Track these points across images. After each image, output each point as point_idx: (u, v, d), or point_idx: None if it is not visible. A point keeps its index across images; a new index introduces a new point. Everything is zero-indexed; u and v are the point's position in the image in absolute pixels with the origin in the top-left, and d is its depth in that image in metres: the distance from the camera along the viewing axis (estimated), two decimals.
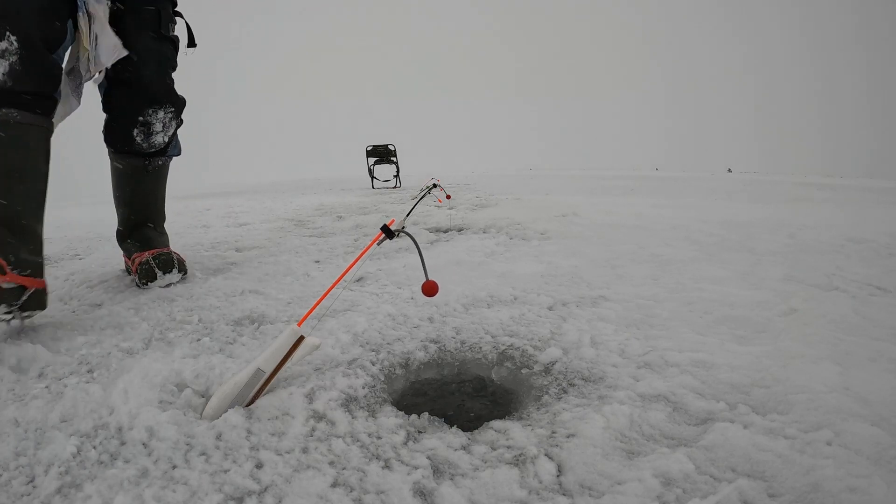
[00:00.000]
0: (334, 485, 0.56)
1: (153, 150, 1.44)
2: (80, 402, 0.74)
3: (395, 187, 6.91)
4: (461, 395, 0.87)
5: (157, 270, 1.38)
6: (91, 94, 1.38)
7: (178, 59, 1.47)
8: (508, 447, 0.63)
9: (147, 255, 1.41)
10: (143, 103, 1.38)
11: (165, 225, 1.64)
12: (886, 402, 0.68)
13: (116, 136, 1.41)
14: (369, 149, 7.25)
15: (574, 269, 1.49)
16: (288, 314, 1.14)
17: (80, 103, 1.29)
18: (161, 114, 1.41)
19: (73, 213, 4.16)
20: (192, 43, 1.53)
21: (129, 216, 1.52)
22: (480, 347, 0.94)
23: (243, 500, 0.54)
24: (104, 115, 1.43)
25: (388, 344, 0.95)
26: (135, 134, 1.39)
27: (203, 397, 0.78)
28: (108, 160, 1.50)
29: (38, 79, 1.06)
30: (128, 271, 1.50)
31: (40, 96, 1.08)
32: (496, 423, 0.68)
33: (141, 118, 1.38)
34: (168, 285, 1.38)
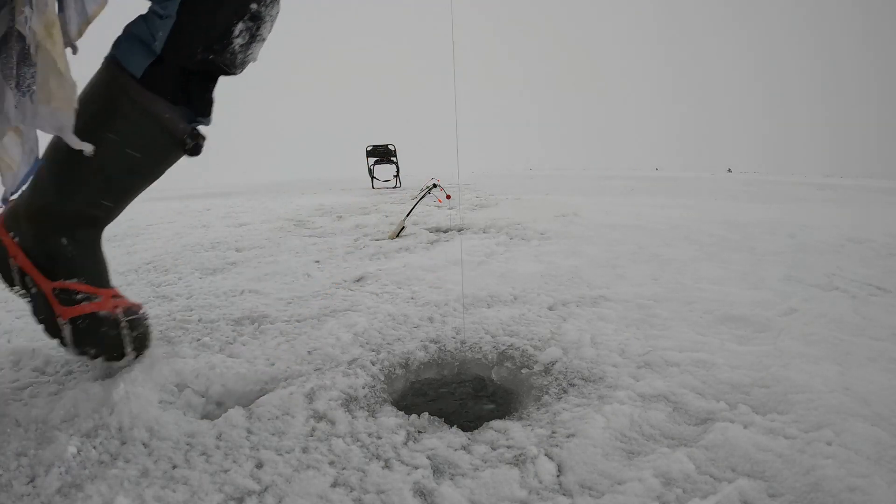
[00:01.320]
0: (334, 485, 0.56)
1: (243, 67, 0.89)
2: (80, 402, 0.74)
3: (395, 187, 6.91)
4: (461, 395, 0.87)
5: (127, 349, 0.83)
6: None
7: None
8: (508, 447, 0.63)
9: (117, 306, 0.84)
10: None
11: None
12: (886, 402, 0.68)
13: (197, 36, 0.80)
14: (369, 149, 7.25)
15: (574, 269, 1.49)
16: (288, 314, 1.14)
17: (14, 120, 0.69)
18: (276, 7, 0.87)
19: None
20: None
21: (104, 208, 0.86)
22: (480, 347, 0.94)
23: (243, 500, 0.54)
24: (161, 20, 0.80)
25: (388, 344, 0.95)
26: (236, 31, 0.83)
27: (203, 397, 0.78)
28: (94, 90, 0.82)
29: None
30: (25, 282, 0.83)
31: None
32: (496, 423, 0.68)
33: (254, 5, 0.83)
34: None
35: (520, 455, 0.60)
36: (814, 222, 2.54)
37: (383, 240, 2.16)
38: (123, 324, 0.83)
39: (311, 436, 0.66)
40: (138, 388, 0.74)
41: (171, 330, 1.06)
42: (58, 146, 0.84)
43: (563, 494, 0.54)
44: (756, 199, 4.34)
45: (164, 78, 0.81)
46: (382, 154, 7.25)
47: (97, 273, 0.86)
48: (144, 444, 0.64)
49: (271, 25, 0.89)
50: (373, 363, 0.87)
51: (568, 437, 0.63)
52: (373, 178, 7.22)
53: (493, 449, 0.63)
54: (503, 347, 0.93)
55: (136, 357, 0.85)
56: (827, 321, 1.02)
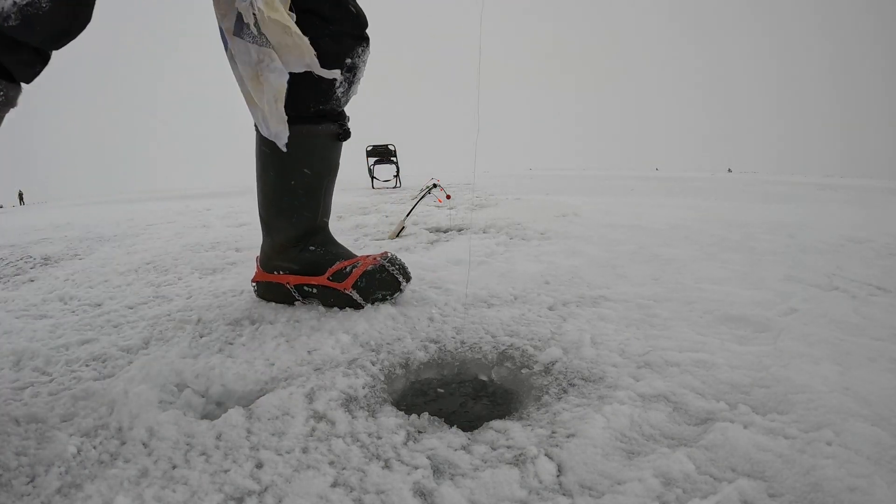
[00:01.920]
0: (334, 485, 0.56)
1: (347, 103, 1.13)
2: (80, 402, 0.74)
3: (395, 187, 6.91)
4: (461, 395, 0.87)
5: (400, 279, 1.14)
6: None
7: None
8: (508, 447, 0.63)
9: (374, 259, 1.13)
10: (351, 41, 1.04)
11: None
12: (886, 402, 0.68)
13: (307, 97, 1.05)
14: (369, 149, 7.25)
15: (574, 268, 1.49)
16: (287, 314, 1.14)
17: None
18: (367, 53, 1.08)
19: (72, 213, 4.16)
20: None
21: (321, 213, 1.17)
22: (480, 347, 0.94)
23: (243, 500, 0.54)
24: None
25: (387, 344, 0.95)
26: (336, 84, 1.05)
27: (203, 397, 0.78)
28: (268, 153, 1.10)
29: (61, 25, 0.67)
30: (304, 291, 1.14)
31: (38, 56, 0.69)
32: (496, 423, 0.68)
33: (349, 60, 1.04)
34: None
35: (520, 455, 0.60)
36: (814, 222, 2.54)
37: (383, 240, 2.16)
38: (387, 265, 1.12)
39: (311, 436, 0.66)
40: (138, 388, 0.74)
41: (170, 330, 1.06)
42: (268, 206, 1.14)
43: (563, 494, 0.54)
44: (756, 199, 4.34)
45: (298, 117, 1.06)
46: (382, 154, 7.25)
47: (345, 251, 1.17)
48: (144, 444, 0.64)
49: (364, 68, 1.09)
50: (373, 363, 0.87)
51: (568, 437, 0.63)
52: (373, 178, 7.22)
53: (493, 449, 0.63)
54: (503, 347, 0.93)
55: (408, 282, 1.16)
56: (827, 321, 1.02)
